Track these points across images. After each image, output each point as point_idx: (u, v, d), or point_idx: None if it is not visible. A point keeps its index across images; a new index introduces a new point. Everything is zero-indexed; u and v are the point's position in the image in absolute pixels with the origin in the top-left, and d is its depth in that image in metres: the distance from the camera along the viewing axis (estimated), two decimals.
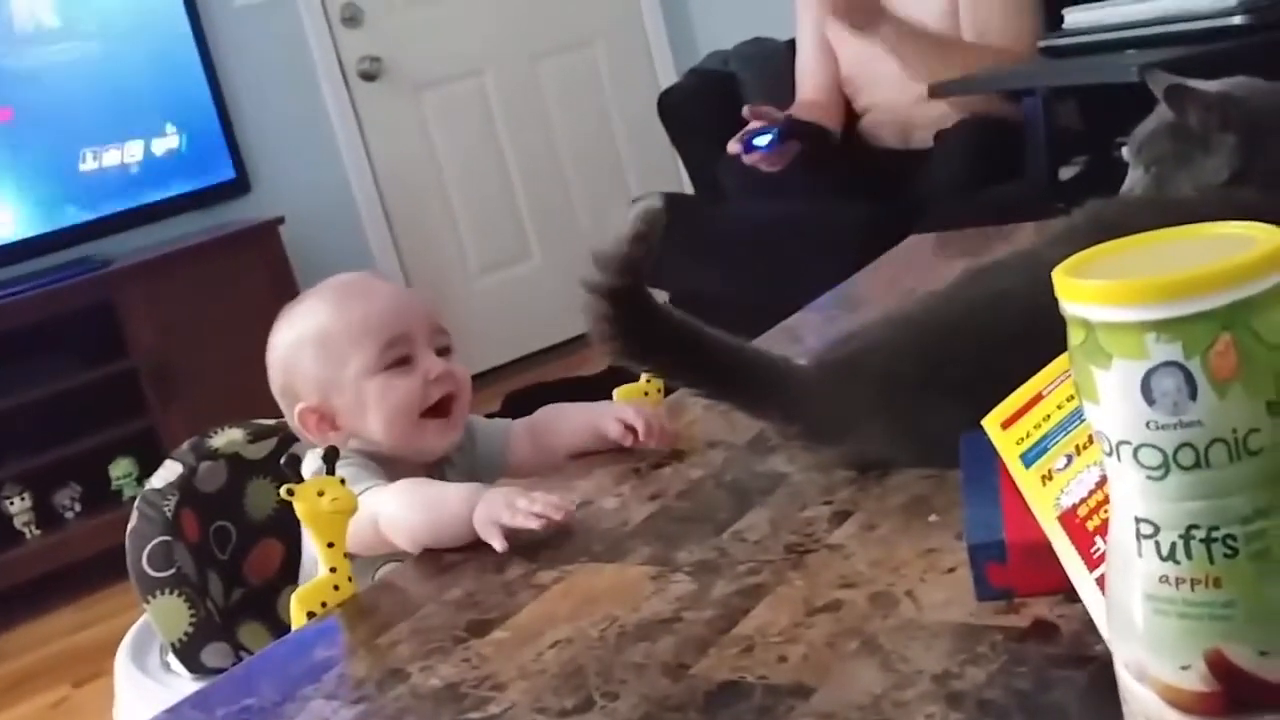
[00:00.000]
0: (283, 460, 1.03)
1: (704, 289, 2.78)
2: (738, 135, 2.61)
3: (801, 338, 1.32)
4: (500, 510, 0.96)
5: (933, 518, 0.83)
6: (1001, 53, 2.49)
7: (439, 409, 1.13)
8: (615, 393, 1.23)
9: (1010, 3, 2.55)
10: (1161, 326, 0.44)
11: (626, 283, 0.93)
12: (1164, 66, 1.86)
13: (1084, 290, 0.46)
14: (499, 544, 0.95)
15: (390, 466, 1.11)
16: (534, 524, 0.95)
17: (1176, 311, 0.44)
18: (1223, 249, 0.46)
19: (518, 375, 3.83)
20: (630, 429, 1.10)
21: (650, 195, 0.96)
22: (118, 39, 3.36)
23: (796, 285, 1.61)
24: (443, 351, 1.15)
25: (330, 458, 1.00)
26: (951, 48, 2.55)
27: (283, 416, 1.18)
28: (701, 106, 3.17)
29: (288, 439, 1.26)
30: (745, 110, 2.59)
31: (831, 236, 2.45)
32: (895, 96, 2.67)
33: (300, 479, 1.01)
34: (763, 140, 2.54)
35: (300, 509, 0.95)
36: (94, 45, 3.33)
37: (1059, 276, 0.47)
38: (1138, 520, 0.48)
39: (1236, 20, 1.96)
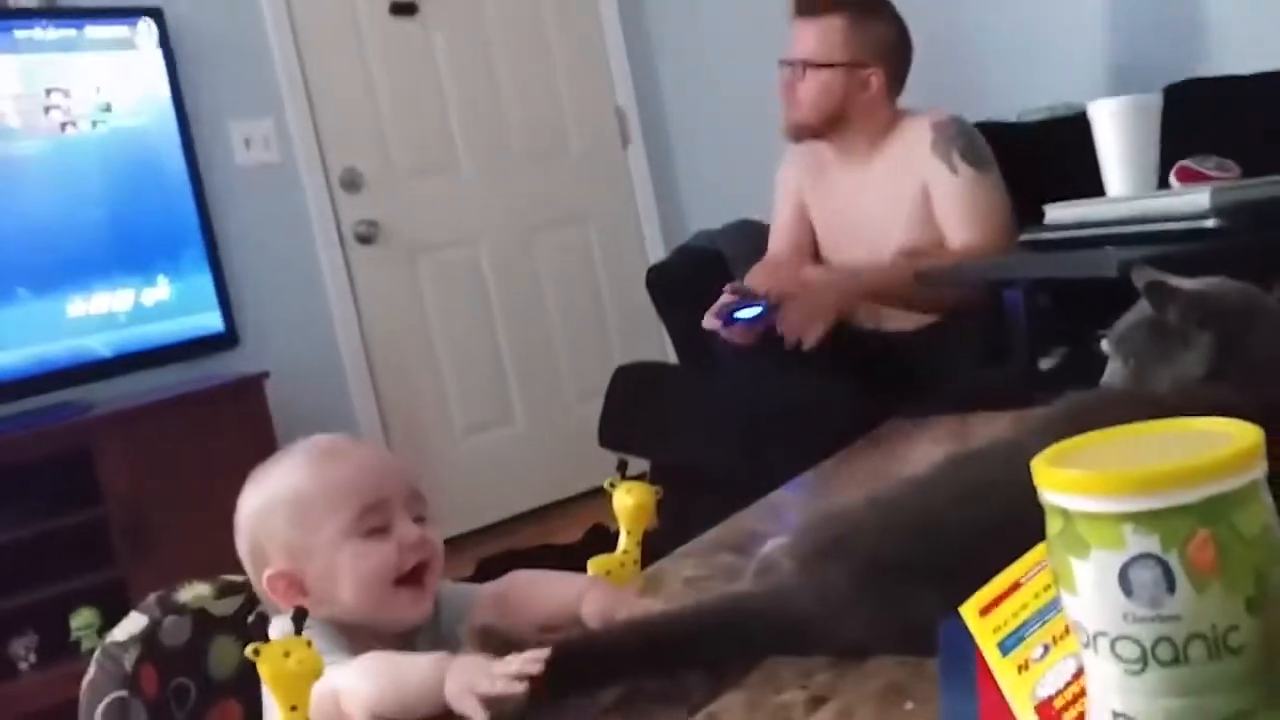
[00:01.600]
0: (250, 618, 1.00)
1: (685, 460, 2.78)
2: (714, 309, 2.66)
3: (782, 515, 1.31)
4: (477, 679, 0.92)
5: (909, 705, 0.82)
6: (976, 254, 2.55)
7: (412, 577, 1.11)
8: (590, 563, 1.21)
9: (980, 212, 2.61)
10: (1139, 519, 0.44)
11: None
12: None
13: (1063, 480, 0.46)
14: (481, 715, 0.91)
15: (357, 638, 1.08)
16: (516, 688, 0.91)
17: (1155, 504, 0.44)
18: (1200, 444, 0.46)
19: (492, 540, 3.79)
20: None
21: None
22: (117, 187, 3.41)
23: (777, 459, 1.61)
24: (418, 520, 1.13)
25: (299, 618, 0.97)
26: (924, 261, 2.60)
27: None
28: (688, 281, 3.23)
29: (256, 596, 1.23)
30: (728, 287, 2.64)
31: (813, 416, 2.46)
32: None
33: (266, 639, 0.98)
34: (748, 313, 2.58)
35: (264, 670, 0.92)
36: (93, 190, 3.38)
37: (1038, 465, 0.48)
38: (1115, 715, 0.47)
39: (1210, 223, 2.02)
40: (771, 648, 0.94)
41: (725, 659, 0.94)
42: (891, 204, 2.69)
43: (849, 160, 2.78)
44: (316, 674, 0.93)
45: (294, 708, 0.92)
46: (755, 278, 2.81)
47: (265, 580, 1.11)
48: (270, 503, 1.12)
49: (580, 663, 0.95)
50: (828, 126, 2.73)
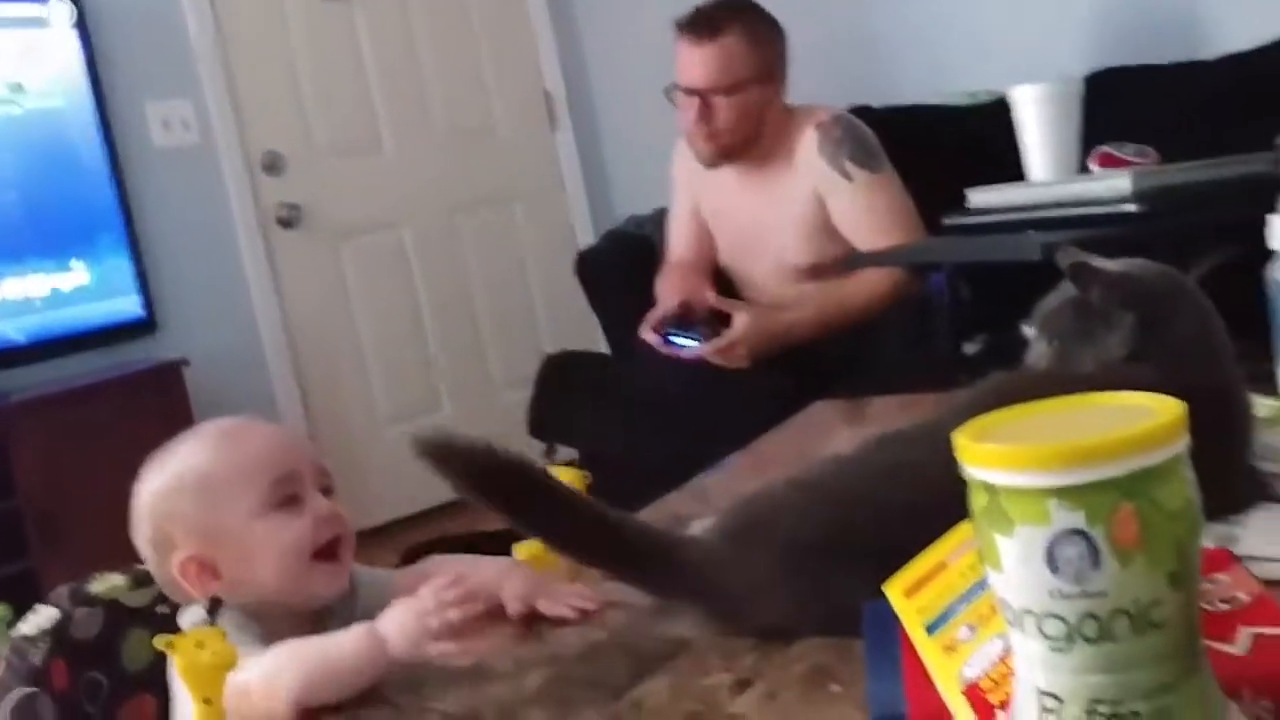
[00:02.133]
0: (207, 607, 0.97)
1: (613, 448, 2.77)
2: (652, 321, 2.65)
3: (707, 498, 1.31)
4: (425, 619, 0.93)
5: (835, 688, 0.81)
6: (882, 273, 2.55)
7: (327, 552, 1.09)
8: (515, 548, 1.20)
9: (883, 215, 2.57)
10: (1065, 493, 0.44)
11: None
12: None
13: (988, 455, 0.46)
14: (453, 649, 0.91)
15: (270, 622, 1.06)
16: (459, 612, 0.92)
17: (1081, 478, 0.44)
18: (1123, 418, 0.46)
19: (419, 529, 3.75)
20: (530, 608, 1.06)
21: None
22: (30, 169, 3.32)
23: (704, 446, 1.61)
24: (326, 492, 1.12)
25: (214, 608, 0.95)
26: (832, 288, 2.61)
27: None
28: (618, 268, 3.22)
29: None
30: (658, 317, 2.65)
31: (739, 400, 2.47)
32: (768, 296, 2.72)
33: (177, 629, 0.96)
34: (685, 344, 2.60)
35: (178, 662, 0.90)
36: (5, 173, 3.29)
37: (962, 440, 0.47)
38: (1041, 693, 0.47)
39: (1130, 207, 2.05)
40: (696, 606, 0.93)
41: (652, 584, 0.95)
42: (785, 209, 2.65)
43: (737, 169, 2.72)
44: (231, 665, 0.91)
45: (208, 700, 0.90)
46: (662, 286, 2.79)
47: (176, 565, 1.08)
48: (175, 486, 1.10)
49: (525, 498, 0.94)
50: (747, 146, 2.66)
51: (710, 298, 2.67)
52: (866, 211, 2.58)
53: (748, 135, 2.64)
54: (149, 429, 1.16)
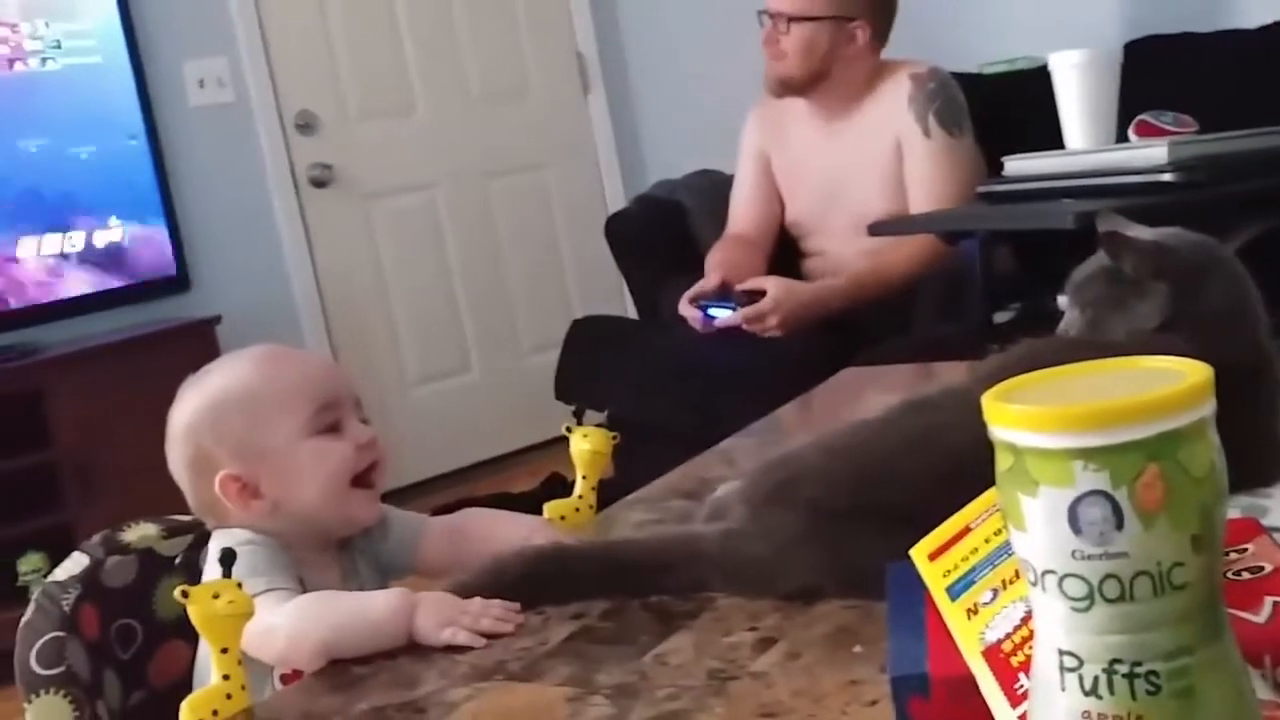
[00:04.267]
0: (219, 558, 0.98)
1: (639, 412, 2.78)
2: (689, 294, 2.66)
3: (735, 461, 1.31)
4: (457, 616, 0.94)
5: (857, 648, 0.82)
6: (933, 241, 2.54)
7: (364, 478, 1.11)
8: (545, 507, 1.21)
9: (946, 182, 2.57)
10: (1089, 454, 0.44)
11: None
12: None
13: (1013, 415, 0.46)
14: (478, 642, 0.93)
15: (301, 549, 1.08)
16: (492, 624, 0.94)
17: (1105, 440, 0.44)
18: (1150, 381, 0.46)
19: (446, 489, 3.77)
20: None
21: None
22: (69, 126, 3.35)
23: (733, 413, 1.61)
24: (363, 421, 1.14)
25: (227, 560, 0.96)
26: (883, 257, 2.61)
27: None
28: (648, 233, 3.21)
29: (204, 537, 1.22)
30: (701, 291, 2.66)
31: (769, 367, 2.47)
32: (841, 248, 2.72)
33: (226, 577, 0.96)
34: (722, 314, 2.61)
35: (194, 612, 0.90)
36: (44, 128, 3.31)
37: (989, 401, 0.47)
38: (1061, 653, 0.47)
39: (1167, 177, 2.03)
40: (722, 587, 0.94)
41: (679, 589, 0.96)
42: (864, 160, 2.66)
43: (822, 115, 2.74)
44: (247, 614, 0.91)
45: (224, 650, 0.91)
46: (713, 258, 2.79)
47: (218, 483, 1.09)
48: (218, 404, 1.10)
49: (544, 576, 0.99)
50: (811, 82, 2.67)
51: (745, 285, 2.67)
52: (931, 172, 2.58)
53: (813, 71, 2.65)
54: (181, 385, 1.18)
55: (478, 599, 0.96)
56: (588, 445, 1.23)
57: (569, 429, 1.24)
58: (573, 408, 1.28)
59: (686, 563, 0.96)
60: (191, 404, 1.12)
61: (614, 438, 1.24)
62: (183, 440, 1.12)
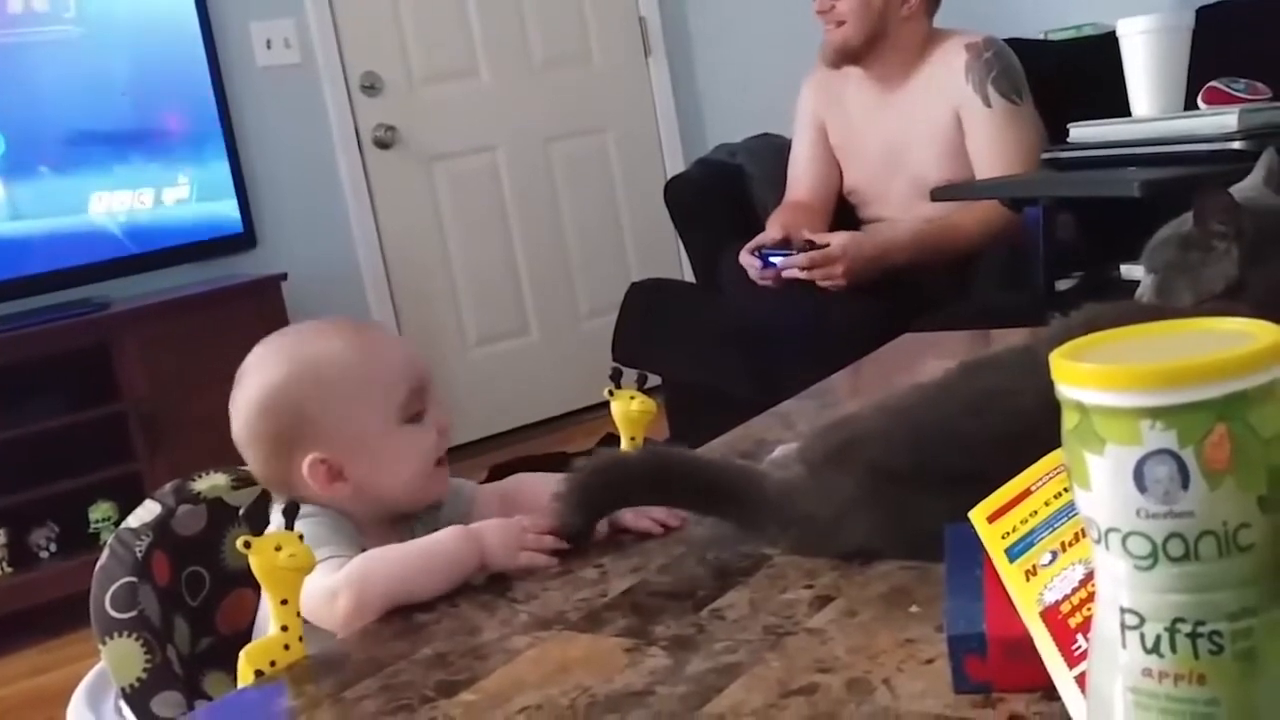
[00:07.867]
0: (283, 509, 0.99)
1: (699, 377, 2.78)
2: (750, 245, 2.66)
3: (793, 423, 1.31)
4: (521, 538, 0.98)
5: (914, 608, 0.82)
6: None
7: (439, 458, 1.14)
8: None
9: (1010, 150, 2.55)
10: (1158, 414, 0.44)
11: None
12: (1164, 184, 1.89)
13: (1081, 374, 0.46)
14: (547, 560, 0.98)
15: (365, 522, 1.10)
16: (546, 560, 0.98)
17: (1174, 399, 0.44)
18: (1220, 342, 0.46)
19: (502, 448, 3.82)
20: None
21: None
22: (140, 84, 3.40)
23: (790, 377, 1.61)
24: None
25: (290, 512, 0.96)
26: (947, 221, 2.59)
27: None
28: (706, 197, 3.20)
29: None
30: (762, 242, 2.65)
31: (827, 331, 2.46)
32: (900, 215, 2.71)
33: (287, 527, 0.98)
34: (782, 258, 2.60)
35: (255, 563, 0.91)
36: (117, 82, 3.37)
37: (1056, 360, 0.47)
38: (1123, 611, 0.47)
39: (1236, 145, 1.99)
40: (776, 538, 0.95)
41: (738, 521, 0.98)
42: (921, 128, 2.64)
43: (878, 82, 2.72)
44: (308, 568, 0.93)
45: (284, 601, 0.92)
46: (773, 224, 2.78)
47: (305, 465, 1.09)
48: (310, 378, 1.09)
49: (599, 486, 1.02)
50: (869, 45, 2.66)
51: (808, 234, 2.66)
52: (996, 140, 2.56)
53: (869, 35, 2.64)
54: (247, 340, 1.19)
55: (523, 517, 1.00)
56: (632, 406, 1.25)
57: (610, 392, 1.26)
58: (621, 372, 1.29)
59: (751, 501, 0.97)
60: (276, 378, 1.10)
61: (653, 407, 1.26)
62: (263, 414, 1.10)
